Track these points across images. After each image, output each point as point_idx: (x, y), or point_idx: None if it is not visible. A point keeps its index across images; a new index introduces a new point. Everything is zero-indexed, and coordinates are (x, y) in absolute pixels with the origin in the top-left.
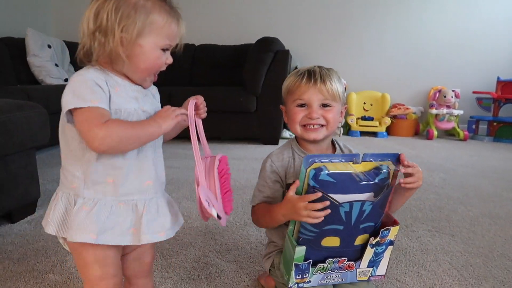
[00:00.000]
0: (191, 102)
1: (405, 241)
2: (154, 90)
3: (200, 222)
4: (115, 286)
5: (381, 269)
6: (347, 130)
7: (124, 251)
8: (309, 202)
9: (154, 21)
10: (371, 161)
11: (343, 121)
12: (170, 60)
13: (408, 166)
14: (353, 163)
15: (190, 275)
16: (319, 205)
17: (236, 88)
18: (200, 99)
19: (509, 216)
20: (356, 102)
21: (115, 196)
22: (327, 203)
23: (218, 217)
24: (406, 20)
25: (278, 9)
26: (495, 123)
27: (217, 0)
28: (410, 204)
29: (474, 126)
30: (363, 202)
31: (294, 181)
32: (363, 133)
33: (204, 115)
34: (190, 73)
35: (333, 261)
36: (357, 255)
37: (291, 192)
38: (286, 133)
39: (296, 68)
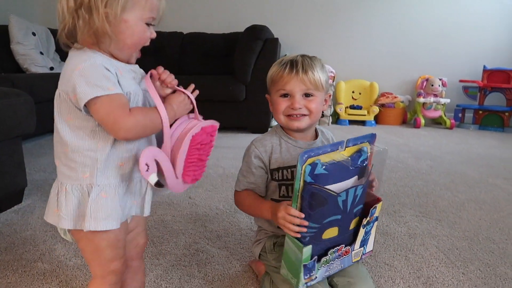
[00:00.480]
0: (147, 74)
1: (393, 226)
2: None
3: (190, 209)
4: (124, 265)
5: (369, 246)
6: (336, 119)
7: None
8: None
9: None
10: (354, 145)
11: (332, 110)
12: (154, 34)
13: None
14: (339, 151)
15: (181, 262)
16: (297, 221)
17: (225, 76)
18: (158, 70)
19: (494, 201)
20: (345, 91)
21: (125, 177)
22: (306, 223)
23: (158, 184)
24: (395, 9)
25: None
26: (480, 112)
27: None
28: (398, 191)
29: (460, 115)
30: (355, 187)
31: (278, 167)
32: (351, 122)
33: (174, 81)
34: (178, 62)
35: (333, 251)
36: (351, 239)
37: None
38: (275, 122)
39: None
